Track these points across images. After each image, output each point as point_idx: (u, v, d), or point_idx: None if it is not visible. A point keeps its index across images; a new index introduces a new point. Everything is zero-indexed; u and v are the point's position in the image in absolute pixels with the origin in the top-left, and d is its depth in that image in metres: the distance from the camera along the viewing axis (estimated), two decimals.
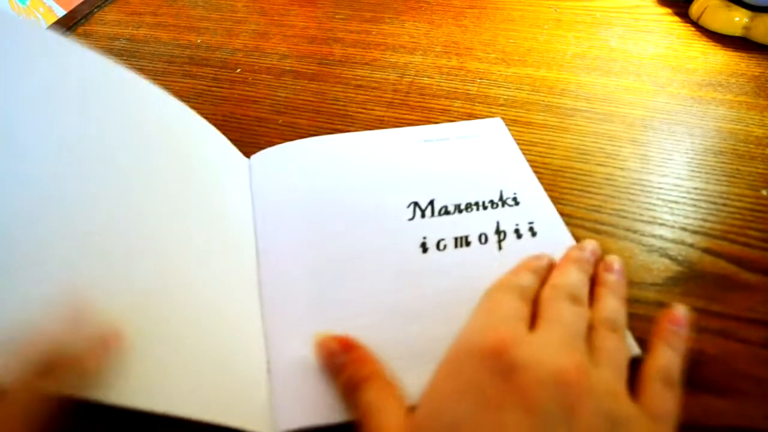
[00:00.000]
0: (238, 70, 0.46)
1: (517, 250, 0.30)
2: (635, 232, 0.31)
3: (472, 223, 0.31)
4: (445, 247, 0.30)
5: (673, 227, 0.32)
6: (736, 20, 0.47)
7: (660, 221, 0.32)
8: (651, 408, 0.21)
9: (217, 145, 0.35)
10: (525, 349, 0.20)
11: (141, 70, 0.46)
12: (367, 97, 0.43)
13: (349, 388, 0.23)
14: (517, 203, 0.33)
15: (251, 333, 0.27)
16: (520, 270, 0.26)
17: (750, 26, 0.47)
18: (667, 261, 0.30)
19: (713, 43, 0.47)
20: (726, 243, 0.31)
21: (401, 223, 0.32)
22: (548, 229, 0.31)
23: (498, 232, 0.31)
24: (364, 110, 0.39)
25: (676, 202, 0.33)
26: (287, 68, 0.46)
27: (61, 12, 0.57)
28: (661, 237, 0.31)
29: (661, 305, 0.27)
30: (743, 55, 0.46)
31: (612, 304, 0.25)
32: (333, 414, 0.24)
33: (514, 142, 0.37)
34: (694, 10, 0.50)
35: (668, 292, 0.28)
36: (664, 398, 0.22)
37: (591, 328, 0.23)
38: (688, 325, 0.25)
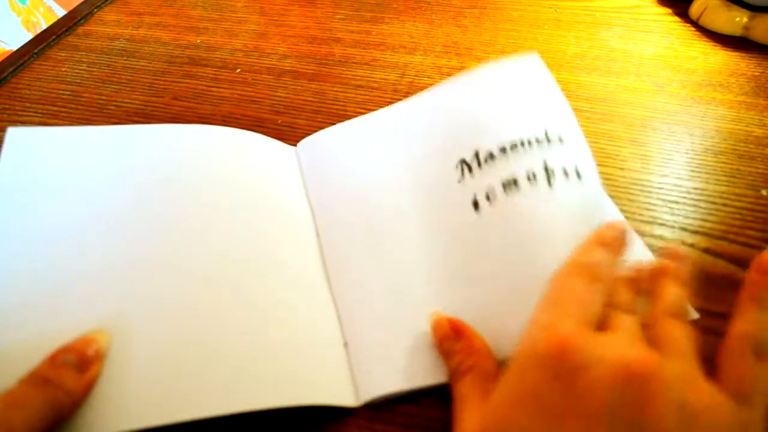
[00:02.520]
0: (238, 70, 0.46)
1: (566, 191, 0.28)
2: (635, 232, 0.31)
3: (518, 164, 0.29)
4: (495, 197, 0.28)
5: (672, 227, 0.32)
6: (736, 20, 0.47)
7: (660, 221, 0.32)
8: (738, 387, 0.19)
9: (261, 145, 0.36)
10: (587, 348, 0.18)
11: (141, 70, 0.47)
12: (366, 97, 0.43)
13: (454, 376, 0.24)
14: (561, 142, 0.30)
15: (323, 312, 0.27)
16: (592, 245, 0.23)
17: (750, 26, 0.47)
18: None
19: (713, 43, 0.47)
20: (726, 243, 0.31)
21: (451, 186, 0.31)
22: (589, 173, 0.30)
23: (546, 169, 0.29)
24: (363, 110, 0.39)
25: (676, 203, 0.33)
26: (287, 68, 0.46)
27: (61, 12, 0.57)
28: (660, 237, 0.31)
29: None
30: (743, 55, 0.46)
31: (674, 291, 0.23)
32: (414, 380, 0.25)
33: (554, 81, 0.35)
34: (694, 10, 0.50)
35: None
36: (755, 374, 0.19)
37: (652, 318, 0.22)
38: None
